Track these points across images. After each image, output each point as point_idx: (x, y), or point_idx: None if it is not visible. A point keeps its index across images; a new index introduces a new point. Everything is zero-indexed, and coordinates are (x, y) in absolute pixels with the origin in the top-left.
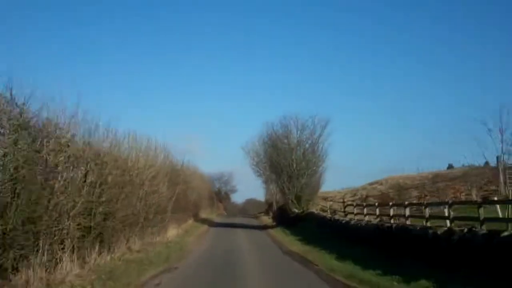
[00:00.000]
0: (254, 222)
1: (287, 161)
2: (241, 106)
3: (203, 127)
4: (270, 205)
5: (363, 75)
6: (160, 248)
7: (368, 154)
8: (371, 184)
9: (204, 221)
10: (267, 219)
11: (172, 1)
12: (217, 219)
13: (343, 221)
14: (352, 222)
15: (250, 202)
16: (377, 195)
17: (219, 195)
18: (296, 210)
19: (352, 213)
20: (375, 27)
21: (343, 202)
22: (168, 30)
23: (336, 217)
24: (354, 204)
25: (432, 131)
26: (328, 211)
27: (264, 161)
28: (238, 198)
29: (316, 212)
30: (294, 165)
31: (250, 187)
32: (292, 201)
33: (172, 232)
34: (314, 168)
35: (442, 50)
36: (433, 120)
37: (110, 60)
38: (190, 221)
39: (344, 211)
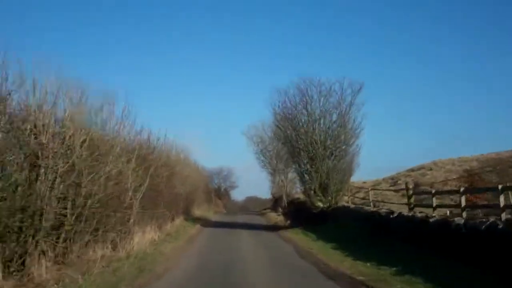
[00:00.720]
0: (260, 220)
1: (307, 137)
2: (241, 106)
3: (201, 125)
4: (277, 200)
5: (363, 75)
6: (96, 274)
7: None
8: (413, 170)
9: (198, 220)
10: (276, 217)
11: (173, 1)
12: (215, 217)
13: (432, 220)
14: (457, 220)
15: (251, 200)
16: (461, 177)
17: (219, 192)
18: (321, 204)
19: (430, 206)
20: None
21: (407, 189)
22: (166, 28)
23: (404, 212)
24: (432, 191)
25: (432, 129)
26: (371, 204)
27: (271, 148)
28: (238, 195)
29: (352, 206)
30: (318, 143)
31: (251, 185)
32: (315, 191)
33: (144, 237)
34: (344, 147)
35: (442, 50)
36: (433, 119)
37: (107, 60)
38: (178, 220)
39: (409, 203)
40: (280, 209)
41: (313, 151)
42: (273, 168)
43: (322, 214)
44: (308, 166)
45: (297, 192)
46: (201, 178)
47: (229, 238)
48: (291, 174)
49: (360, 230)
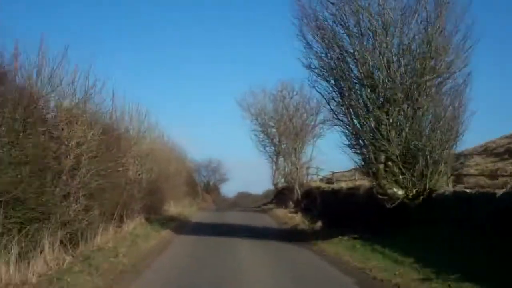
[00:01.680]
0: (265, 220)
1: (373, 59)
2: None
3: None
4: (282, 191)
5: None
6: None
7: None
8: None
9: (171, 220)
10: (288, 215)
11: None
12: (198, 216)
13: None
14: None
15: (243, 196)
16: None
17: (208, 186)
18: (399, 192)
19: None
20: None
21: None
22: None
23: None
24: None
25: None
26: None
27: (274, 123)
28: (228, 192)
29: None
30: (394, 70)
31: (242, 181)
32: (386, 166)
33: None
34: (439, 79)
35: None
36: None
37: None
38: (133, 223)
39: None
40: (291, 204)
41: (384, 86)
42: (277, 150)
43: (402, 211)
44: (378, 114)
45: (313, 179)
46: (181, 163)
47: (217, 267)
48: (305, 155)
49: None
